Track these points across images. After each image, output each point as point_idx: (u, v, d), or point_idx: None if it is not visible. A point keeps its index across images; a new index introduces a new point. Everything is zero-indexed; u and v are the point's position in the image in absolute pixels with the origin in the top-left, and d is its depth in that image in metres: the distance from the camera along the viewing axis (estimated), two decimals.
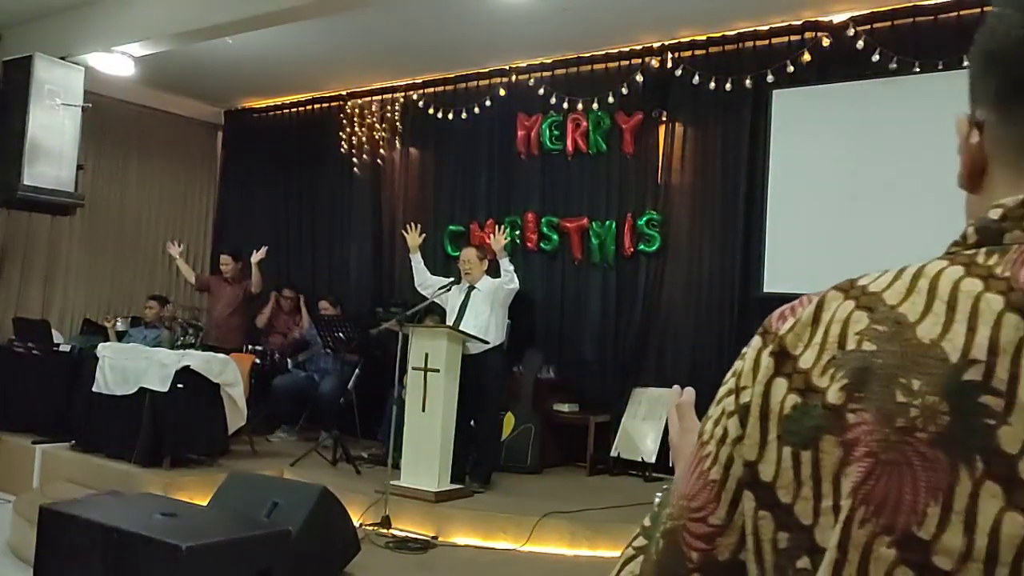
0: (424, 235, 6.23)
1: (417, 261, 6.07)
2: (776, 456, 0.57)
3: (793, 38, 5.96)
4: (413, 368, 5.30)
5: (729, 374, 0.64)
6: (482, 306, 5.69)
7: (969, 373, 0.52)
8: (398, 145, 7.97)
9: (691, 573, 0.62)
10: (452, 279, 5.92)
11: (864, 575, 0.52)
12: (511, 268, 5.72)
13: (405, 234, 6.22)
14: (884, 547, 0.52)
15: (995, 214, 0.58)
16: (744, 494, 0.59)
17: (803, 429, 0.56)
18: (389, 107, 7.97)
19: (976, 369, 0.52)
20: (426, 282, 6.01)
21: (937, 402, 0.52)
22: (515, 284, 5.72)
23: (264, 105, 9.01)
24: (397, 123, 7.90)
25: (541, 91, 6.94)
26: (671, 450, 0.91)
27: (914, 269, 0.58)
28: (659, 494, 0.76)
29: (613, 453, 6.21)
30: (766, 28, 6.03)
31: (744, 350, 0.63)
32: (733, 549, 0.60)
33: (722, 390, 0.64)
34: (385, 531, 4.76)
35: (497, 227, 6.39)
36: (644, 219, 6.45)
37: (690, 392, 0.93)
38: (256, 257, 7.47)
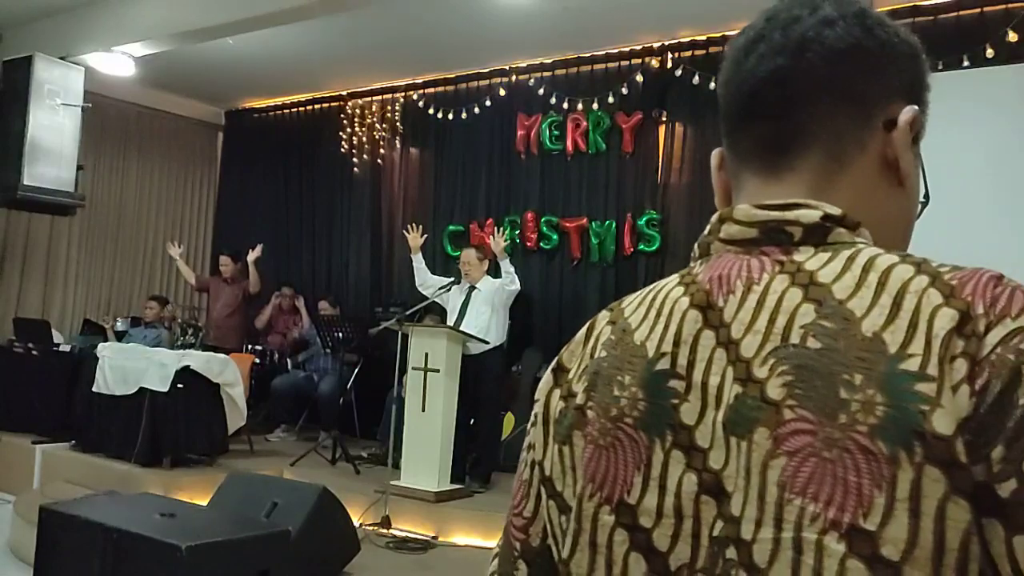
0: (425, 235, 6.23)
1: (418, 261, 6.07)
2: (552, 453, 0.68)
3: None
4: (413, 368, 5.30)
5: (537, 393, 0.74)
6: (483, 306, 5.69)
7: (660, 363, 0.62)
8: (398, 145, 7.97)
9: (517, 559, 0.72)
10: (452, 279, 5.92)
11: (595, 540, 0.63)
12: (512, 269, 5.72)
13: (407, 234, 6.22)
14: (606, 515, 0.62)
15: (705, 231, 0.70)
16: (541, 489, 0.69)
17: (563, 428, 0.67)
18: (389, 107, 7.97)
19: (665, 359, 0.62)
20: (427, 282, 6.01)
21: (638, 391, 0.63)
22: (516, 285, 5.72)
23: (264, 105, 9.01)
24: (397, 123, 7.90)
25: (541, 91, 6.94)
26: None
27: (658, 286, 0.69)
28: None
29: None
30: None
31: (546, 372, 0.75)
32: (542, 536, 0.70)
33: (535, 406, 0.74)
34: (385, 531, 4.76)
35: (496, 229, 6.38)
36: (644, 219, 6.45)
37: None
38: (252, 256, 7.47)
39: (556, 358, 0.73)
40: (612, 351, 0.66)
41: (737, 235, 0.66)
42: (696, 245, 0.71)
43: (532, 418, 0.73)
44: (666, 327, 0.63)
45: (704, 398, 0.59)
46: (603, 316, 0.72)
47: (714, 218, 0.70)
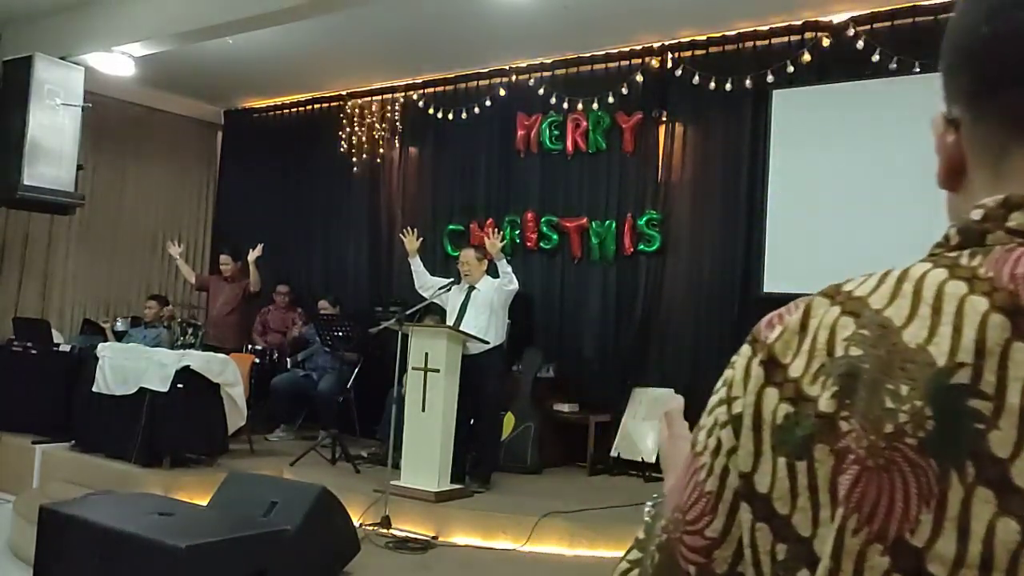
0: (421, 239, 6.21)
1: (416, 264, 6.06)
2: (771, 467, 0.57)
3: (793, 38, 5.95)
4: (413, 368, 5.30)
5: (720, 383, 0.63)
6: (482, 306, 5.69)
7: (957, 376, 0.51)
8: (398, 145, 7.97)
9: None
10: (452, 279, 5.92)
11: None
12: (509, 270, 5.71)
13: (402, 238, 6.21)
14: (878, 555, 0.51)
15: (976, 215, 0.57)
16: (741, 505, 0.58)
17: (796, 439, 0.56)
18: (389, 107, 7.97)
19: (964, 372, 0.51)
20: (426, 284, 6.01)
21: (924, 407, 0.51)
22: (515, 285, 5.72)
23: (264, 105, 9.01)
24: (397, 123, 7.90)
25: (541, 91, 6.94)
26: (661, 458, 0.90)
27: (898, 273, 0.58)
28: (649, 504, 0.75)
29: (613, 453, 6.21)
30: (766, 28, 6.03)
31: (734, 358, 0.63)
32: (731, 561, 0.59)
33: (713, 399, 0.63)
34: (385, 531, 4.75)
35: (492, 230, 6.37)
36: (644, 219, 6.44)
37: (679, 399, 0.92)
38: (252, 255, 7.47)
39: (755, 347, 0.61)
40: (872, 350, 0.54)
41: None
42: (955, 230, 0.59)
43: (723, 418, 0.61)
44: (956, 330, 0.52)
45: (1022, 428, 0.49)
46: (820, 302, 0.59)
47: (992, 202, 0.57)
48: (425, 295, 5.98)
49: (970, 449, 0.50)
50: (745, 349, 0.62)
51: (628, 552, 0.68)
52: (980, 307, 0.52)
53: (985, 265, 0.54)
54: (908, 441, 0.51)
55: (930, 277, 0.55)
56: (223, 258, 7.76)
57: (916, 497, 0.50)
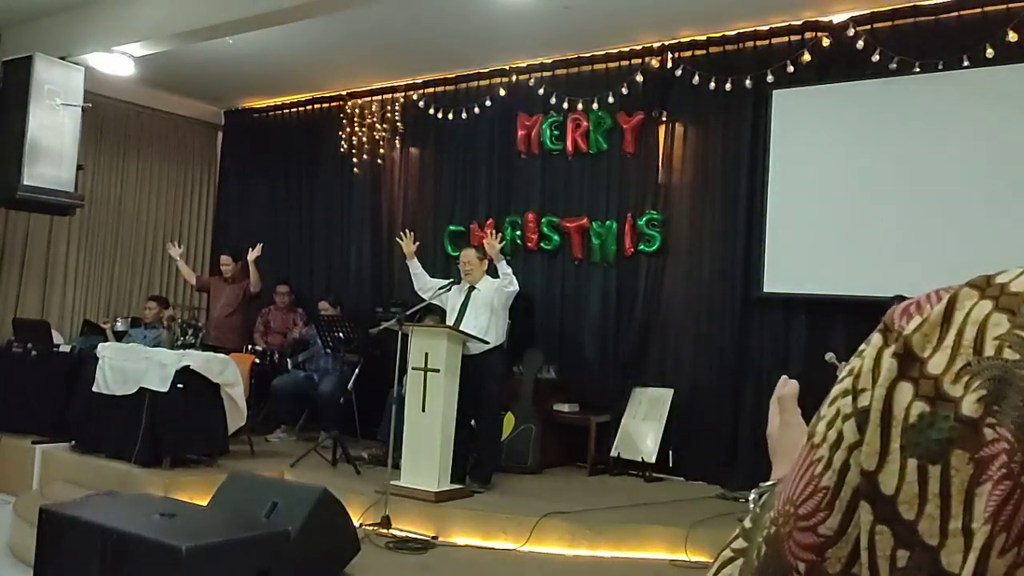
0: (418, 242, 6.20)
1: (415, 267, 6.05)
2: (899, 468, 0.53)
3: (793, 38, 5.95)
4: (413, 368, 5.30)
5: (845, 372, 0.58)
6: (482, 307, 5.69)
7: None
8: (398, 145, 7.97)
9: None
10: (452, 280, 5.92)
11: None
12: (509, 271, 5.71)
13: (399, 241, 6.19)
14: None
15: None
16: (861, 505, 0.54)
17: (931, 441, 0.52)
18: (389, 107, 7.97)
19: None
20: (425, 285, 6.00)
21: None
22: (515, 286, 5.72)
23: (264, 105, 9.01)
24: (397, 123, 7.90)
25: (541, 91, 6.94)
26: (770, 445, 0.85)
27: None
28: (754, 492, 0.73)
29: (613, 453, 6.21)
30: (766, 28, 6.03)
31: (862, 347, 0.58)
32: (845, 562, 0.55)
33: (836, 389, 0.58)
34: (385, 531, 4.75)
35: (490, 231, 6.36)
36: (644, 219, 6.45)
37: (793, 384, 0.86)
38: (252, 255, 7.47)
39: (888, 337, 0.56)
40: None
41: None
42: None
43: (846, 409, 0.57)
44: None
45: None
46: (968, 294, 0.55)
47: None
48: (425, 297, 5.98)
49: None
50: (875, 338, 0.57)
51: (732, 540, 0.65)
52: None
53: None
54: None
55: None
56: (223, 259, 7.76)
57: None
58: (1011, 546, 0.48)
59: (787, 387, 0.84)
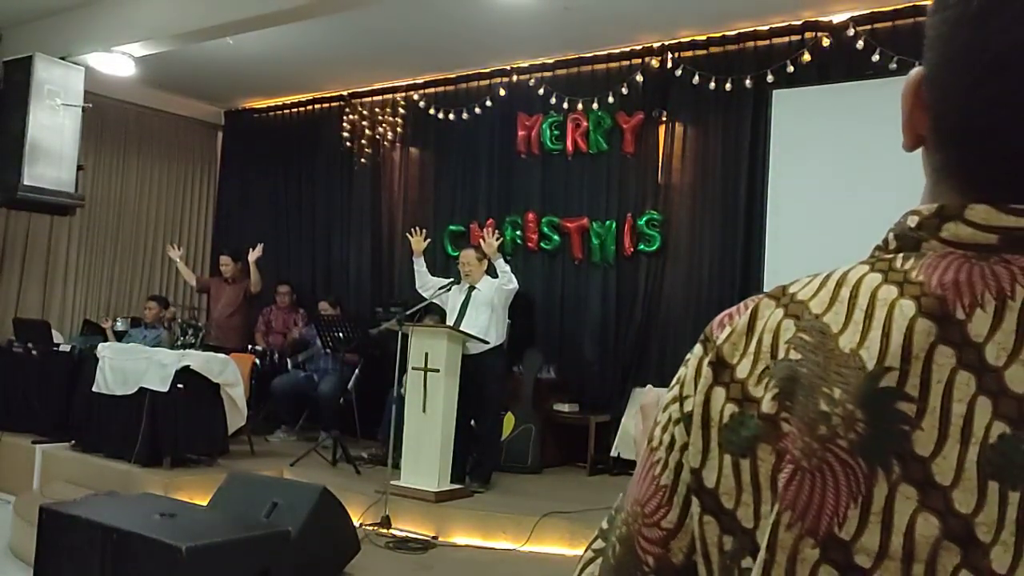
0: (428, 240, 6.21)
1: (419, 265, 6.06)
2: (718, 463, 0.59)
3: (793, 38, 5.96)
4: (413, 368, 5.30)
5: (674, 380, 0.65)
6: (483, 306, 5.69)
7: (884, 380, 0.53)
8: (398, 145, 7.97)
9: (647, 575, 0.63)
10: (452, 279, 5.92)
11: (792, 574, 0.54)
12: (508, 269, 5.72)
13: (409, 237, 6.20)
14: (809, 548, 0.54)
15: (912, 222, 0.59)
16: (692, 499, 0.61)
17: (741, 438, 0.58)
18: (389, 107, 7.97)
19: (891, 376, 0.53)
20: (427, 284, 6.01)
21: (855, 410, 0.54)
22: (514, 285, 5.72)
23: (264, 105, 9.01)
24: (397, 123, 7.90)
25: (541, 91, 6.94)
26: (636, 452, 0.94)
27: (838, 275, 0.60)
28: (621, 496, 0.77)
29: (613, 453, 6.21)
30: (766, 28, 6.03)
31: (688, 356, 0.65)
32: (686, 551, 0.62)
33: (667, 396, 0.65)
34: (385, 531, 4.76)
35: (487, 231, 6.37)
36: (644, 219, 6.45)
37: (655, 392, 0.94)
38: (253, 255, 7.47)
39: (707, 347, 0.63)
40: (811, 355, 0.57)
41: (968, 239, 0.56)
42: (892, 235, 0.60)
43: (675, 415, 0.63)
44: (886, 335, 0.54)
45: (943, 428, 0.52)
46: (767, 304, 0.62)
47: (927, 210, 0.59)
48: (425, 295, 5.98)
49: (896, 449, 0.52)
50: (698, 349, 0.64)
51: (593, 541, 0.71)
52: (908, 312, 0.54)
53: (917, 269, 0.56)
54: (840, 443, 0.54)
55: (866, 282, 0.57)
56: (223, 259, 7.77)
57: (845, 495, 0.53)
58: (796, 521, 0.54)
59: (648, 395, 0.89)
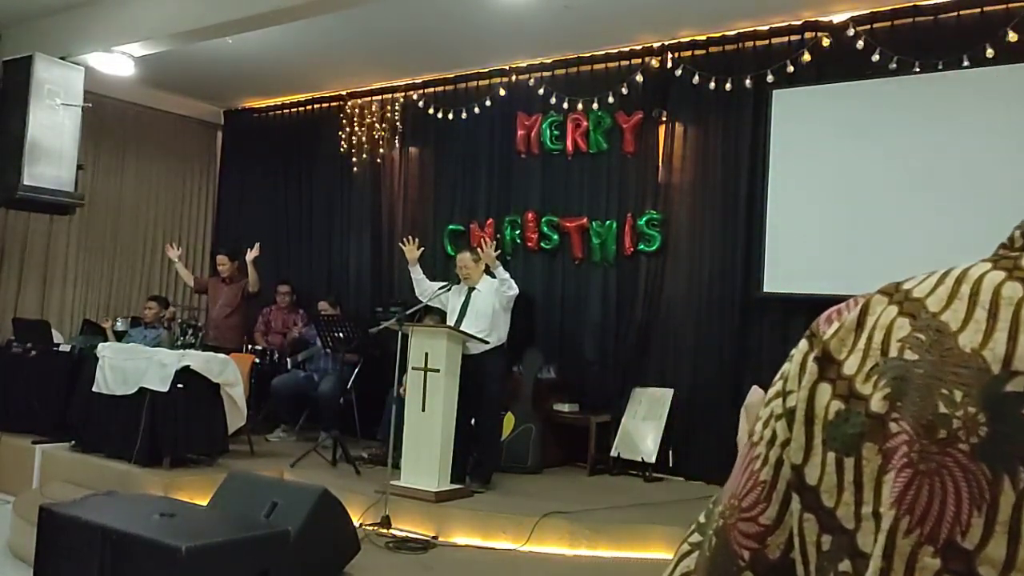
0: (423, 248, 6.21)
1: (417, 272, 6.06)
2: (820, 460, 0.58)
3: (793, 38, 5.95)
4: (413, 368, 5.30)
5: (778, 376, 0.64)
6: (483, 307, 5.69)
7: (1012, 384, 0.51)
8: (398, 145, 7.97)
9: (742, 571, 0.62)
10: (449, 281, 5.92)
11: None
12: (507, 276, 5.72)
13: (403, 247, 6.20)
14: (928, 556, 0.52)
15: None
16: (792, 496, 0.60)
17: (846, 435, 0.57)
18: (389, 107, 7.97)
19: (1018, 381, 0.51)
20: (426, 291, 6.01)
21: (977, 413, 0.52)
22: (514, 291, 5.73)
23: (264, 105, 9.01)
24: (397, 123, 7.90)
25: (541, 91, 6.94)
26: (740, 452, 0.93)
27: (957, 273, 0.58)
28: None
29: (613, 453, 6.21)
30: (766, 28, 6.03)
31: (792, 352, 0.63)
32: (783, 548, 0.61)
33: (771, 391, 0.64)
34: (385, 531, 4.76)
35: (484, 241, 6.36)
36: (644, 219, 6.45)
37: (759, 393, 0.93)
38: (250, 255, 7.47)
39: (812, 342, 0.62)
40: (926, 355, 0.55)
41: None
42: (1019, 232, 0.59)
43: (778, 410, 0.62)
44: (1012, 336, 0.52)
45: None
46: (879, 300, 0.60)
47: None
48: (424, 300, 5.99)
49: (1022, 456, 0.50)
50: (803, 344, 0.62)
51: (690, 534, 0.70)
52: None
53: None
54: (961, 447, 0.52)
55: (988, 279, 0.56)
56: (220, 258, 7.77)
57: (967, 501, 0.51)
58: (914, 527, 0.52)
59: (753, 395, 0.87)
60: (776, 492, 0.61)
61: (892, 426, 0.54)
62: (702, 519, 0.70)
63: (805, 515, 0.58)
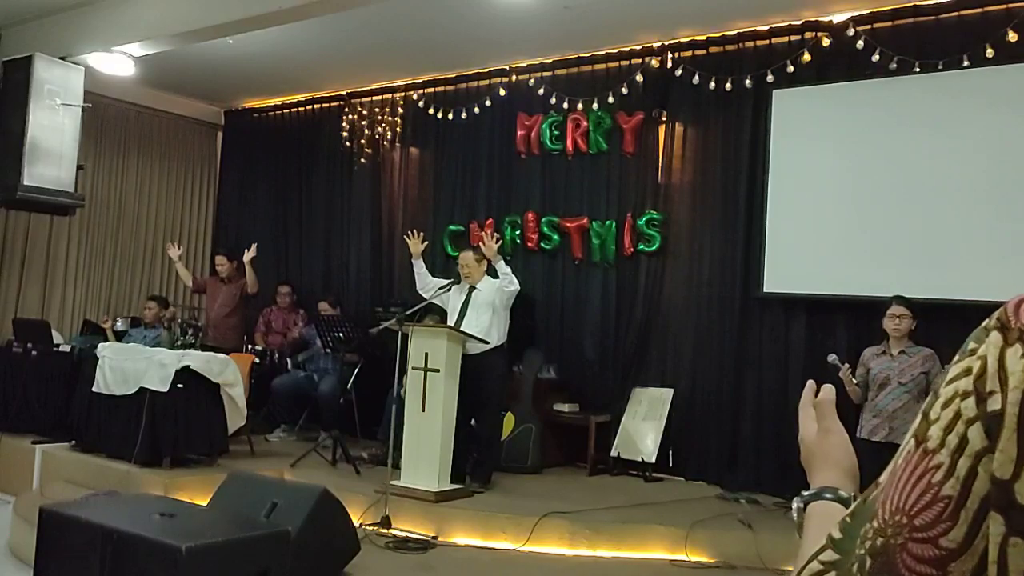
0: (427, 242, 6.21)
1: (419, 267, 6.05)
2: None
3: (793, 38, 5.95)
4: (413, 368, 5.30)
5: (958, 371, 0.54)
6: (483, 307, 5.69)
7: None
8: (398, 145, 7.97)
9: None
10: (452, 280, 5.92)
11: None
12: (508, 270, 5.71)
13: (407, 240, 6.19)
14: None
15: None
16: (990, 516, 0.50)
17: None
18: (389, 107, 7.97)
19: None
20: (428, 286, 6.00)
21: None
22: (515, 286, 5.72)
23: (264, 105, 9.01)
24: (397, 123, 7.90)
25: (541, 91, 6.94)
26: (805, 452, 0.81)
27: None
28: (797, 502, 0.71)
29: (613, 453, 6.21)
30: (766, 28, 6.03)
31: (971, 345, 0.54)
32: None
33: (949, 390, 0.54)
34: (385, 531, 4.76)
35: (486, 234, 6.35)
36: (644, 219, 6.44)
37: (831, 390, 0.83)
38: (248, 255, 7.47)
39: (1007, 335, 0.52)
40: None
41: None
42: None
43: (970, 413, 0.52)
44: None
45: None
46: None
47: None
48: (426, 296, 5.98)
49: None
50: (995, 336, 0.52)
51: (820, 551, 0.60)
52: None
53: None
54: None
55: None
56: (219, 258, 7.77)
57: None
58: None
59: (827, 392, 0.80)
60: (966, 510, 0.51)
61: None
62: (837, 535, 0.60)
63: (1012, 539, 0.49)
